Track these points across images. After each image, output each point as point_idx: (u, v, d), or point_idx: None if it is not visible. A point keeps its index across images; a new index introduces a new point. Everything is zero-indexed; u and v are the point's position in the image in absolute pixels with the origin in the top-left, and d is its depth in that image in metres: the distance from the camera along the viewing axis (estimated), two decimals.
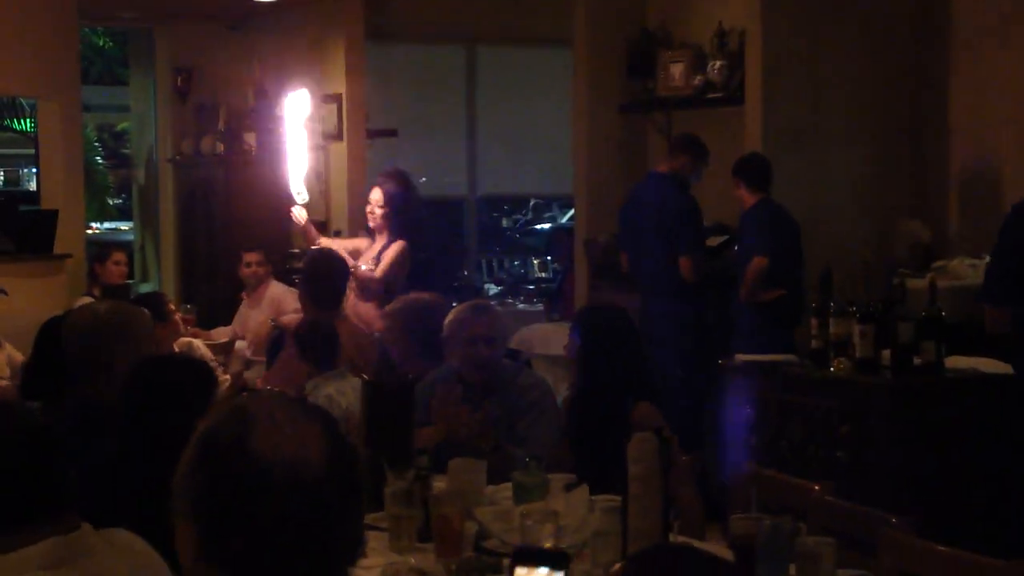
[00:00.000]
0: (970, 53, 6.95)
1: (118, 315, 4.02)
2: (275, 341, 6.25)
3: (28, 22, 8.96)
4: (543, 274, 12.25)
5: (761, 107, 6.95)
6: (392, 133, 10.04)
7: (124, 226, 15.43)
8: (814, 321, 5.17)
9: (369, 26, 9.54)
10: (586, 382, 4.29)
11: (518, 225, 15.86)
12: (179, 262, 10.45)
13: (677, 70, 7.73)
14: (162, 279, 10.60)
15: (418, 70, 10.69)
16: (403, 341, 5.05)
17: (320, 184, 9.38)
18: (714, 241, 7.23)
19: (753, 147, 6.85)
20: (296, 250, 8.40)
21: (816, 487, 3.60)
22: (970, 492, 4.95)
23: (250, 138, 9.73)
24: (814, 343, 5.18)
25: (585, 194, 8.26)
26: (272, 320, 7.47)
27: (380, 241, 6.92)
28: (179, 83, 10.30)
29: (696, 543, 3.29)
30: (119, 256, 8.52)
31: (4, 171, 18.06)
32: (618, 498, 3.14)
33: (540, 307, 9.87)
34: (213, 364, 5.86)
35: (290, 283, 8.11)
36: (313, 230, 7.20)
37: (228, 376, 6.31)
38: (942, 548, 3.07)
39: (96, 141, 17.01)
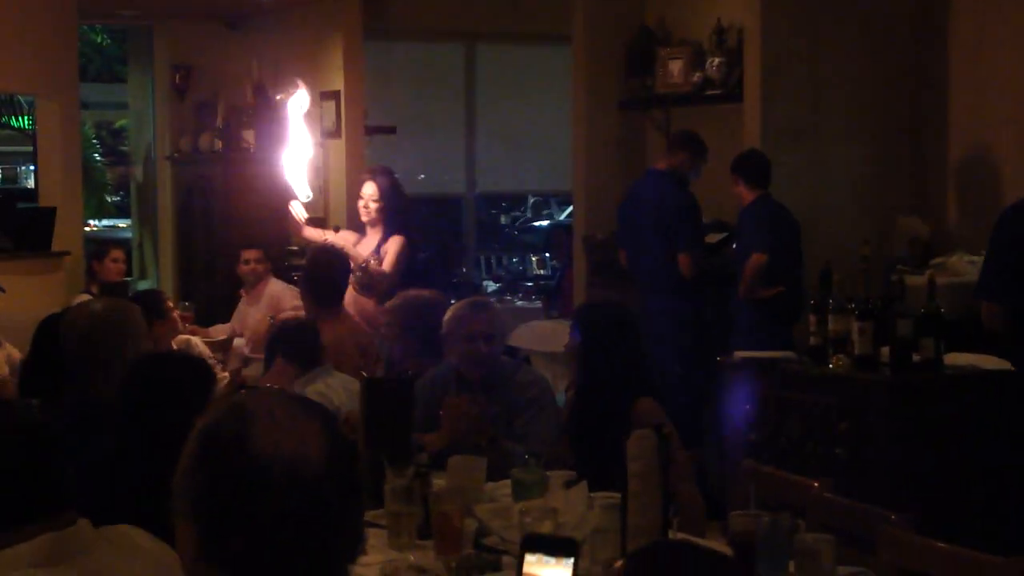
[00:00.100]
0: (969, 51, 6.94)
1: (115, 313, 4.03)
2: (273, 339, 6.25)
3: (27, 19, 8.95)
4: (541, 271, 12.25)
5: (760, 104, 6.95)
6: (391, 130, 10.04)
7: (122, 223, 15.42)
8: (813, 318, 5.17)
9: (368, 23, 9.53)
10: (586, 379, 4.29)
11: (517, 222, 15.86)
12: (177, 259, 10.45)
13: (676, 67, 7.73)
14: (160, 276, 10.60)
15: (417, 67, 10.69)
16: (403, 338, 5.06)
17: (319, 181, 9.37)
18: (713, 238, 7.22)
19: (752, 144, 6.85)
20: (295, 247, 8.40)
21: (815, 484, 3.60)
22: (969, 489, 4.95)
23: (248, 135, 9.72)
24: (813, 340, 5.18)
25: (584, 191, 8.25)
26: (271, 317, 7.46)
27: (374, 236, 6.89)
28: (178, 81, 10.29)
29: (696, 540, 3.29)
30: (117, 254, 8.51)
31: (2, 168, 18.06)
32: (617, 495, 3.14)
33: (539, 304, 9.87)
34: (211, 362, 5.87)
35: (289, 280, 8.11)
36: (307, 229, 7.21)
37: (227, 374, 6.31)
38: (941, 545, 3.07)
39: (94, 138, 17.01)
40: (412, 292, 5.33)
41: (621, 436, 3.15)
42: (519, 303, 10.05)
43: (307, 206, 7.22)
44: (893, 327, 4.91)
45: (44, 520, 2.04)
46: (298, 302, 7.57)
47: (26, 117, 14.25)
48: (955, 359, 5.09)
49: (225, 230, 9.60)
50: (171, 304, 6.25)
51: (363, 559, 3.16)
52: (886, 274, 6.08)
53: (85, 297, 7.23)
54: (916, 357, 4.93)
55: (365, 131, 9.62)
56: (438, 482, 3.59)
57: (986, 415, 5.02)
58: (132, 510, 2.57)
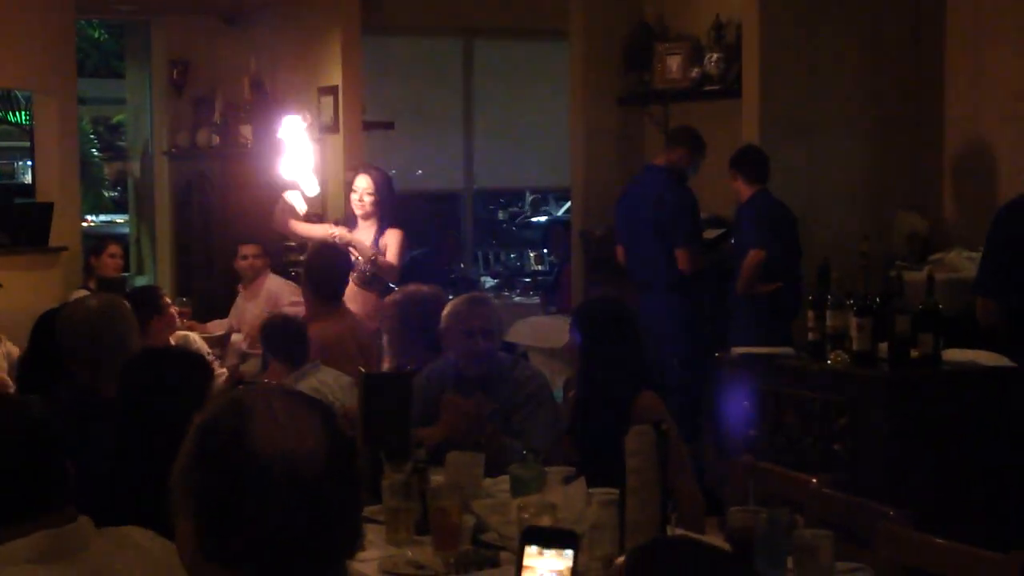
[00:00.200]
0: (967, 47, 6.94)
1: (112, 309, 4.03)
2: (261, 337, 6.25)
3: (24, 14, 8.94)
4: (539, 267, 12.25)
5: (758, 100, 6.94)
6: (389, 126, 10.03)
7: (119, 219, 15.41)
8: (811, 314, 5.16)
9: (365, 19, 9.52)
10: (587, 376, 4.28)
11: (515, 218, 15.86)
12: (175, 255, 10.43)
13: (674, 63, 7.72)
14: (158, 272, 10.58)
15: (415, 63, 10.68)
16: (402, 333, 5.05)
17: (316, 176, 9.36)
18: (711, 234, 7.22)
19: (750, 140, 6.85)
20: (292, 243, 8.39)
21: (813, 480, 3.60)
22: (967, 485, 4.95)
23: (246, 131, 9.70)
24: (811, 336, 5.17)
25: (582, 187, 8.25)
26: (269, 313, 7.45)
27: (368, 229, 6.89)
28: (175, 76, 10.28)
29: (696, 536, 3.28)
30: (115, 249, 8.50)
31: None
32: (615, 491, 3.14)
33: (536, 300, 9.87)
34: (209, 357, 5.86)
35: (287, 276, 8.11)
36: (301, 225, 7.22)
37: (224, 370, 6.31)
38: (939, 541, 3.07)
39: (92, 134, 17.00)
40: (412, 287, 5.33)
41: (623, 432, 3.14)
42: (517, 299, 10.05)
43: (305, 202, 7.24)
44: (891, 323, 4.91)
45: (43, 517, 2.03)
46: (296, 297, 7.58)
47: (23, 112, 14.24)
48: (953, 355, 5.09)
49: (223, 225, 9.59)
50: (168, 300, 6.24)
51: (361, 555, 3.16)
52: (884, 270, 6.08)
53: (83, 293, 7.24)
54: (914, 353, 4.93)
55: (363, 127, 9.61)
56: (436, 478, 3.58)
57: (984, 411, 5.02)
58: (131, 506, 2.57)
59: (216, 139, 9.86)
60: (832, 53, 7.05)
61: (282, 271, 8.21)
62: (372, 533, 3.37)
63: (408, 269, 7.09)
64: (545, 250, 12.44)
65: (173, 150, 10.31)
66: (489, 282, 11.22)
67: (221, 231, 9.56)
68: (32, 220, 8.95)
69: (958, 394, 5.02)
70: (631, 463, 3.09)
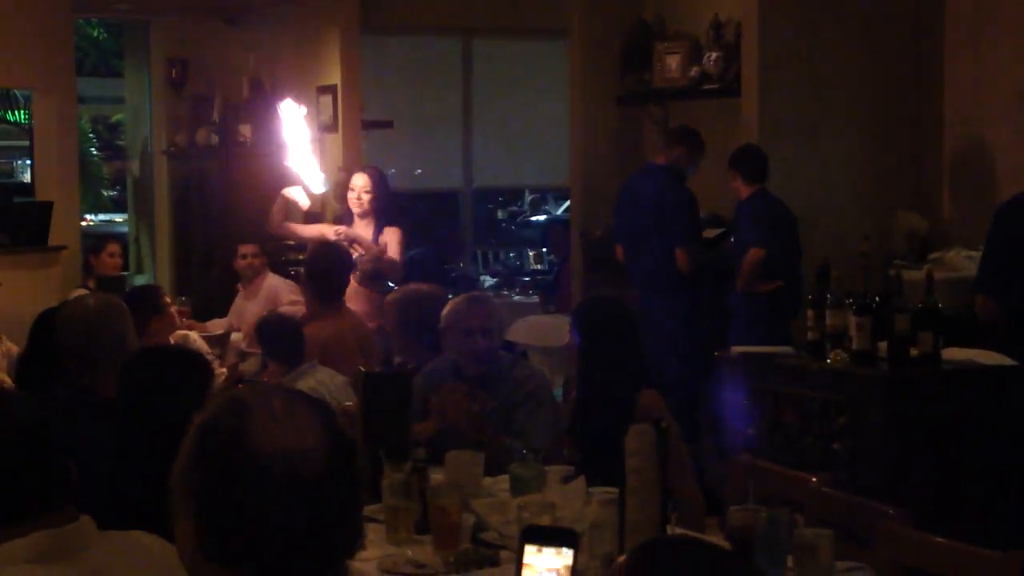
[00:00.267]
0: (967, 46, 6.94)
1: (109, 307, 4.04)
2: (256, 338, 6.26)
3: (23, 13, 8.94)
4: (538, 266, 12.25)
5: (757, 99, 6.94)
6: (387, 125, 10.03)
7: (119, 218, 15.41)
8: (811, 313, 5.16)
9: (364, 18, 9.52)
10: (588, 375, 4.28)
11: (514, 217, 15.86)
12: (174, 254, 10.43)
13: (673, 62, 7.72)
14: (157, 271, 10.59)
15: (414, 62, 10.68)
16: (402, 332, 5.06)
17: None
18: (710, 233, 7.22)
19: (749, 139, 6.85)
20: (291, 242, 8.39)
21: (813, 479, 3.60)
22: (967, 484, 4.95)
23: (245, 130, 9.71)
24: (811, 335, 5.17)
25: (581, 186, 8.25)
26: (268, 312, 7.45)
27: (365, 227, 6.93)
28: (174, 75, 10.28)
29: (697, 535, 3.28)
30: (114, 248, 8.50)
31: None
32: (615, 490, 3.14)
33: (536, 299, 9.87)
34: (209, 356, 5.86)
35: (286, 275, 8.11)
36: (299, 227, 7.24)
37: (224, 369, 6.30)
38: (939, 540, 3.07)
39: (91, 133, 16.98)
40: (412, 286, 5.34)
41: (623, 431, 3.14)
42: (516, 298, 10.05)
43: (308, 197, 7.27)
44: (891, 322, 4.91)
45: (42, 516, 2.02)
46: (295, 296, 7.58)
47: (22, 111, 14.22)
48: (953, 354, 5.09)
49: (222, 224, 9.59)
50: (168, 299, 6.24)
51: (361, 554, 3.16)
52: (884, 269, 6.07)
53: (82, 292, 7.23)
54: (914, 352, 4.93)
55: (362, 126, 9.61)
56: (436, 477, 3.58)
57: (984, 410, 5.02)
58: (131, 506, 2.56)
59: (215, 138, 9.86)
60: (831, 52, 7.04)
61: (281, 270, 8.21)
62: (372, 532, 3.36)
63: (408, 268, 7.11)
64: (544, 249, 12.44)
65: (172, 149, 10.31)
66: (488, 281, 11.22)
67: (220, 230, 9.56)
68: (31, 219, 8.95)
69: (957, 393, 5.02)
70: (631, 462, 3.09)
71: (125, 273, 9.43)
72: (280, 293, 7.81)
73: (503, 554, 3.20)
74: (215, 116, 9.88)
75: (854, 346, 4.96)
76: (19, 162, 16.70)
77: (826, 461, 4.95)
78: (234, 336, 7.54)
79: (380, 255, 6.76)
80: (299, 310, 7.11)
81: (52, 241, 8.91)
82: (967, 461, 4.97)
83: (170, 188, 10.45)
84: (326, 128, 9.50)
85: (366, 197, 6.91)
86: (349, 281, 6.28)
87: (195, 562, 1.62)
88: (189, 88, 10.26)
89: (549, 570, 1.69)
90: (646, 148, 8.03)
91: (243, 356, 7.13)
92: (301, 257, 7.66)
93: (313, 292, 5.99)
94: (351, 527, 1.66)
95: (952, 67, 7.02)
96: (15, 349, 6.08)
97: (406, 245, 7.11)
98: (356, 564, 3.08)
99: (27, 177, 9.62)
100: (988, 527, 4.63)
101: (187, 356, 3.62)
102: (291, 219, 7.53)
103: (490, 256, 13.06)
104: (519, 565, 1.70)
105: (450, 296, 4.94)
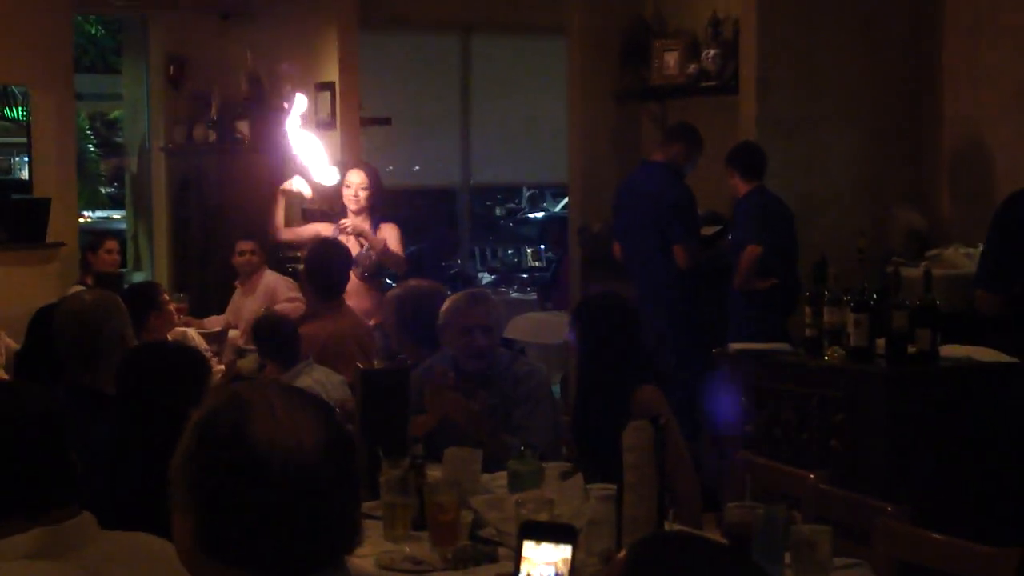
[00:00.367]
0: (965, 42, 6.94)
1: (107, 303, 4.04)
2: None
3: (21, 10, 8.93)
4: (536, 263, 12.25)
5: (755, 96, 6.94)
6: (386, 122, 10.02)
7: (116, 215, 15.39)
8: (808, 310, 5.16)
9: (362, 14, 9.51)
10: (586, 371, 4.29)
11: (512, 215, 15.85)
12: (172, 251, 10.42)
13: (671, 59, 7.72)
14: (155, 268, 10.57)
15: (412, 59, 10.67)
16: (401, 328, 5.06)
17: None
18: (708, 230, 7.22)
19: (747, 136, 6.85)
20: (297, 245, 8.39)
21: (811, 475, 3.60)
22: (965, 480, 4.96)
23: (243, 126, 9.70)
24: (808, 332, 5.17)
25: (579, 183, 8.24)
26: (266, 308, 7.46)
27: (362, 224, 6.97)
28: (172, 72, 10.26)
29: (696, 532, 3.28)
30: (111, 244, 8.49)
31: None
32: (613, 487, 3.14)
33: (533, 296, 9.87)
34: (207, 353, 5.86)
35: (284, 272, 8.10)
36: (289, 233, 7.27)
37: (222, 366, 6.30)
38: (936, 536, 3.07)
39: (88, 129, 16.96)
40: (412, 282, 5.35)
41: (622, 427, 3.14)
42: (514, 295, 10.06)
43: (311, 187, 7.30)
44: (889, 319, 4.91)
45: (43, 512, 2.02)
46: (293, 293, 7.58)
47: (20, 108, 14.20)
48: (951, 351, 5.09)
49: (220, 221, 9.59)
50: (167, 296, 6.24)
51: (358, 550, 3.16)
52: (882, 266, 6.08)
53: (79, 288, 7.23)
54: (912, 349, 4.93)
55: (360, 123, 9.60)
56: (433, 473, 3.58)
57: (982, 407, 5.02)
58: (129, 502, 2.57)
59: (213, 135, 9.85)
60: (829, 49, 7.04)
61: (279, 267, 8.21)
62: (369, 529, 3.36)
63: (408, 265, 7.15)
64: (542, 246, 12.44)
65: (170, 146, 10.30)
66: (486, 278, 11.22)
67: (218, 227, 9.56)
68: (29, 216, 8.94)
69: (955, 390, 5.02)
70: (629, 458, 3.09)
71: (123, 270, 9.42)
72: (278, 290, 7.81)
73: (501, 551, 3.20)
74: (213, 113, 9.87)
75: (852, 343, 4.96)
76: (17, 159, 16.68)
77: (823, 458, 4.95)
78: (232, 333, 7.54)
79: (387, 250, 6.82)
80: (297, 307, 7.13)
81: (50, 238, 8.90)
82: (964, 458, 4.98)
83: (168, 185, 10.43)
84: (324, 125, 9.49)
85: (363, 194, 6.96)
86: (349, 278, 6.28)
87: (193, 557, 1.62)
88: (187, 85, 10.25)
89: (547, 564, 1.69)
90: (644, 145, 8.02)
91: (241, 353, 7.13)
92: (299, 254, 7.66)
93: (313, 290, 6.00)
94: (349, 523, 1.66)
95: (950, 64, 7.02)
96: (13, 345, 6.08)
97: (404, 241, 7.17)
98: (354, 560, 3.08)
99: (25, 174, 9.60)
100: (985, 523, 4.63)
101: (185, 352, 3.62)
102: (293, 214, 7.55)
103: (488, 253, 13.06)
104: (518, 560, 1.71)
105: (449, 293, 4.94)
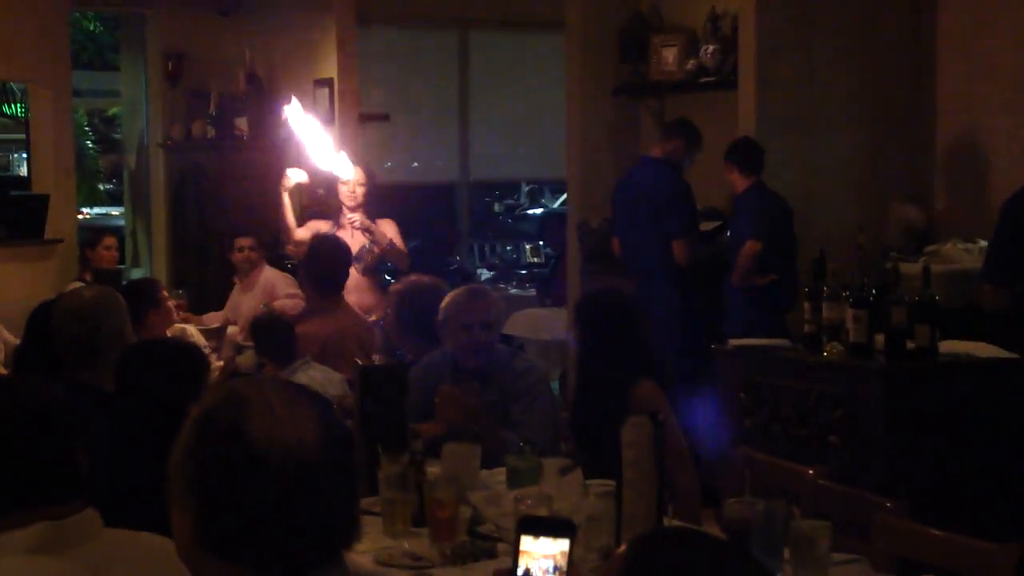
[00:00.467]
0: (962, 37, 6.94)
1: (106, 299, 4.04)
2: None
3: (19, 6, 8.92)
4: (535, 259, 12.25)
5: (754, 92, 6.93)
6: (384, 117, 10.02)
7: (115, 211, 15.38)
8: (807, 305, 5.16)
9: (361, 10, 9.51)
10: (585, 366, 4.29)
11: (511, 210, 15.85)
12: (170, 247, 10.42)
13: (670, 54, 7.71)
14: (153, 264, 10.57)
15: (410, 54, 10.66)
16: (402, 322, 5.06)
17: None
18: (707, 226, 7.22)
19: (746, 132, 6.84)
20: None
21: (809, 471, 3.60)
22: (963, 476, 4.96)
23: (241, 123, 9.70)
24: (807, 327, 5.17)
25: (578, 179, 8.24)
26: (264, 305, 7.46)
27: (347, 221, 7.02)
28: (170, 68, 10.25)
29: (695, 528, 3.28)
30: (110, 241, 8.49)
31: None
32: (612, 482, 3.14)
33: (532, 292, 9.87)
34: (206, 350, 5.86)
35: (283, 268, 8.10)
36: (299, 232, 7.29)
37: (221, 362, 6.30)
38: (935, 532, 3.07)
39: (86, 126, 16.95)
40: (414, 277, 5.35)
41: (621, 422, 3.14)
42: (513, 291, 10.06)
43: (301, 193, 7.29)
44: (887, 315, 4.91)
45: (47, 506, 2.01)
46: (292, 289, 7.58)
47: (19, 104, 14.21)
48: (950, 347, 5.09)
49: (218, 218, 9.58)
50: (166, 293, 6.24)
51: (357, 546, 3.15)
52: (880, 262, 6.07)
53: (78, 285, 7.23)
54: (911, 345, 4.93)
55: (358, 119, 9.60)
56: (432, 469, 3.58)
57: (981, 402, 5.02)
58: (128, 497, 2.56)
59: (211, 131, 9.85)
60: (828, 45, 7.04)
61: (278, 263, 8.21)
62: (368, 525, 3.36)
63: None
64: (541, 242, 12.44)
65: (168, 142, 10.30)
66: (485, 274, 11.22)
67: (216, 223, 9.55)
68: (28, 212, 8.94)
69: (954, 386, 5.02)
70: (628, 454, 3.09)
71: (121, 266, 9.42)
72: (277, 286, 7.81)
73: (500, 546, 3.20)
74: (211, 109, 9.87)
75: (850, 339, 4.96)
76: (15, 155, 16.67)
77: (822, 453, 4.95)
78: (230, 329, 7.54)
79: (392, 245, 6.87)
80: (296, 303, 7.13)
81: (48, 234, 8.90)
82: (963, 453, 4.98)
83: (166, 181, 10.43)
84: (322, 121, 9.49)
85: (360, 191, 7.00)
86: (348, 275, 6.29)
87: (192, 553, 1.62)
88: (185, 81, 10.24)
89: (546, 557, 1.69)
90: (643, 141, 8.02)
91: (239, 349, 7.14)
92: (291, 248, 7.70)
93: (313, 287, 6.00)
94: (348, 519, 1.66)
95: (948, 59, 7.02)
96: (13, 340, 6.08)
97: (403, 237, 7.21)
98: (353, 556, 3.08)
99: (23, 170, 9.60)
100: (985, 519, 4.64)
101: (184, 349, 3.62)
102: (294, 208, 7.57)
103: (486, 249, 13.06)
104: (516, 555, 1.71)
105: (449, 289, 4.94)
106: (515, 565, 1.70)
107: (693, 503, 3.87)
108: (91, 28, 17.84)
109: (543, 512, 3.13)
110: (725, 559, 1.36)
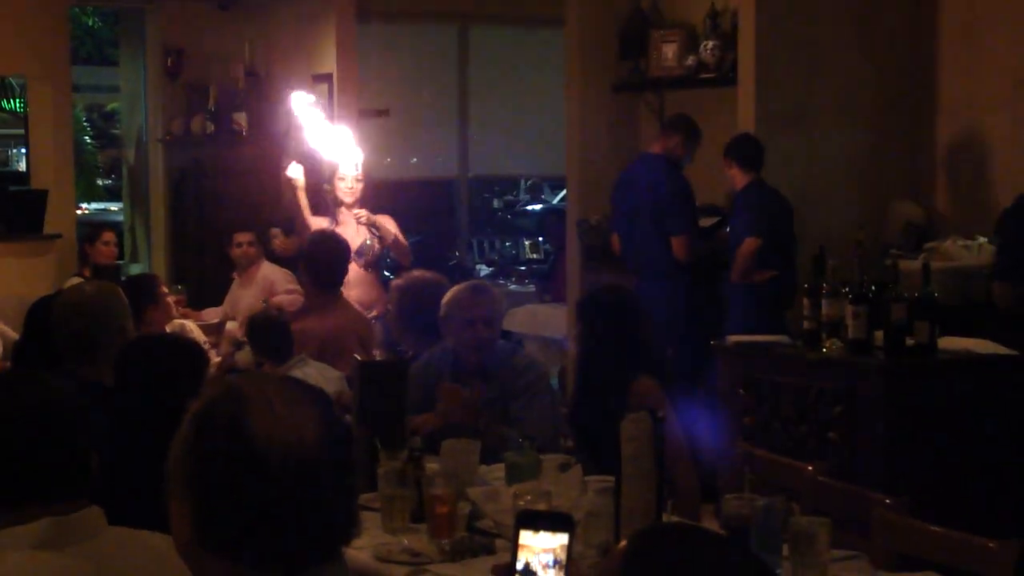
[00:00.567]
0: (962, 34, 6.93)
1: (108, 295, 4.03)
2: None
3: (18, 1, 8.92)
4: (534, 255, 12.25)
5: (754, 88, 6.93)
6: (383, 113, 10.01)
7: (113, 207, 15.37)
8: (806, 302, 5.16)
9: (360, 5, 9.50)
10: (585, 362, 4.28)
11: (510, 206, 15.85)
12: (169, 242, 10.41)
13: (670, 50, 7.71)
14: (152, 260, 10.57)
15: (410, 50, 10.65)
16: (403, 318, 5.06)
17: (288, 160, 9.35)
18: (706, 222, 7.22)
19: (746, 128, 6.83)
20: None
21: (809, 467, 3.60)
22: (963, 473, 4.96)
23: (240, 118, 9.69)
24: (806, 324, 5.17)
25: (577, 175, 8.23)
26: (264, 301, 7.46)
27: (353, 216, 7.03)
28: (169, 63, 10.24)
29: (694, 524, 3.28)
30: (109, 236, 8.49)
31: None
32: (611, 478, 3.14)
33: (532, 288, 9.87)
34: (205, 345, 5.86)
35: (281, 263, 8.10)
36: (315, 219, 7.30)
37: (220, 358, 6.30)
38: (935, 528, 3.07)
39: (85, 121, 16.94)
40: (416, 272, 5.35)
41: (620, 418, 3.14)
42: (512, 287, 10.05)
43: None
44: (887, 311, 4.91)
45: (52, 502, 2.01)
46: (291, 285, 7.58)
47: (17, 99, 14.17)
48: (949, 343, 5.09)
49: (217, 213, 9.58)
50: (165, 288, 6.24)
51: (356, 542, 3.15)
52: (880, 258, 6.07)
53: (77, 280, 7.23)
54: (910, 341, 4.93)
55: (358, 114, 9.59)
56: (431, 465, 3.58)
57: (980, 399, 5.02)
58: (127, 493, 2.56)
59: (210, 126, 9.84)
60: (828, 41, 7.03)
61: (276, 258, 8.20)
62: (367, 521, 3.36)
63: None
64: (540, 238, 12.44)
65: (167, 138, 10.29)
66: (484, 270, 11.21)
67: (215, 219, 9.55)
68: (26, 207, 8.94)
69: (953, 382, 5.02)
70: (627, 450, 3.09)
71: (120, 262, 9.41)
72: (276, 282, 7.80)
73: (498, 542, 3.20)
74: (210, 105, 9.86)
75: (850, 335, 4.96)
76: (14, 150, 16.66)
77: (822, 450, 4.95)
78: (229, 325, 7.54)
79: (397, 241, 6.91)
80: (295, 299, 7.13)
81: (47, 229, 8.90)
82: (963, 450, 4.98)
83: (165, 177, 10.42)
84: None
85: (358, 186, 7.03)
86: (347, 271, 6.29)
87: (190, 549, 1.62)
88: (184, 77, 10.23)
89: (545, 551, 1.69)
90: (642, 137, 8.01)
91: (238, 345, 7.13)
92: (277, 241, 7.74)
93: (312, 282, 6.00)
94: (347, 515, 1.66)
95: (948, 56, 7.01)
96: (13, 335, 6.07)
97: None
98: (351, 552, 3.08)
99: (22, 165, 9.58)
100: (984, 516, 4.63)
101: (183, 345, 3.62)
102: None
103: (486, 245, 13.06)
104: (515, 549, 1.70)
105: (450, 285, 4.93)
106: (514, 560, 1.70)
107: (692, 499, 3.87)
108: (90, 23, 17.83)
109: (542, 508, 3.12)
110: (725, 555, 1.36)
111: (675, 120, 7.11)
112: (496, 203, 15.76)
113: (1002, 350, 5.11)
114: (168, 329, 5.95)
